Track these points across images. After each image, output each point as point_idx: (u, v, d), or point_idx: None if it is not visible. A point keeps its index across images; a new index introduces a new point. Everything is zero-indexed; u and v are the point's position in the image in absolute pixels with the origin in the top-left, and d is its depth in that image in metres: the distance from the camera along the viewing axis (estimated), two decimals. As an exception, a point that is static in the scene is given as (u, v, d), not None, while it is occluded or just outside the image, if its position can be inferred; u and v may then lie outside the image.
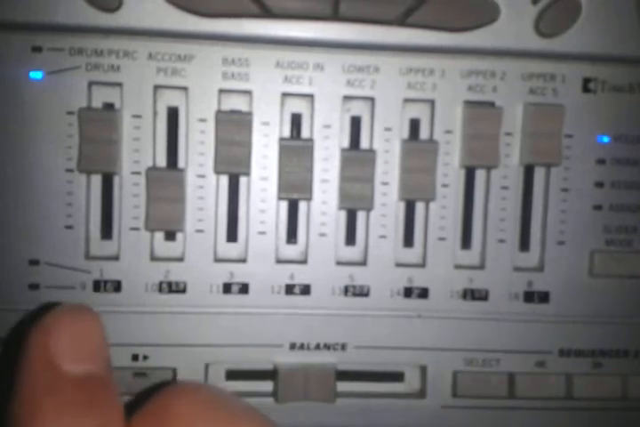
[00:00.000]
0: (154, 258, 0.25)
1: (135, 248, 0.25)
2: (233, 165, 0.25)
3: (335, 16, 0.24)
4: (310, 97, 0.25)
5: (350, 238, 0.26)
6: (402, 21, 0.24)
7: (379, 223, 0.25)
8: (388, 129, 0.25)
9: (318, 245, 0.25)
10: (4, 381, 0.18)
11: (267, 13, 0.23)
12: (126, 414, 0.17)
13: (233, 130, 0.24)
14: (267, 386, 0.26)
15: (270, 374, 0.26)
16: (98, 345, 0.17)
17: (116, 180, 0.25)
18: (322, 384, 0.26)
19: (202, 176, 0.25)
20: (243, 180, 0.25)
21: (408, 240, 0.26)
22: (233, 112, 0.25)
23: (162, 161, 0.25)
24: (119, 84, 0.24)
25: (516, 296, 0.26)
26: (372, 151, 0.25)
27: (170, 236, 0.25)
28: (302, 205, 0.25)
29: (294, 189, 0.25)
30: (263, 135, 0.25)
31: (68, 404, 0.15)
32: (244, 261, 0.25)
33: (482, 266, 0.26)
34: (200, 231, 0.25)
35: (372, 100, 0.25)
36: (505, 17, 0.24)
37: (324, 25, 0.24)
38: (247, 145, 0.25)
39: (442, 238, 0.26)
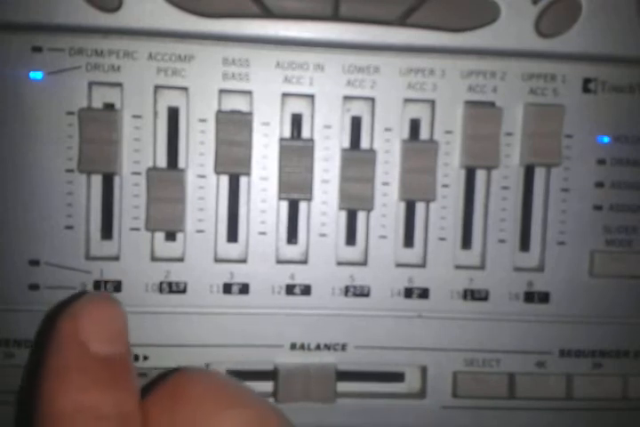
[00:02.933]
0: (154, 258, 0.25)
1: (135, 248, 0.25)
2: (233, 166, 0.25)
3: (335, 16, 0.24)
4: (310, 97, 0.25)
5: (351, 239, 0.26)
6: (402, 21, 0.24)
7: (379, 223, 0.25)
8: (388, 129, 0.25)
9: (319, 246, 0.25)
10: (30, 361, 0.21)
11: (267, 13, 0.23)
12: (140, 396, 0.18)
13: (233, 130, 0.24)
14: (267, 386, 0.26)
15: (270, 375, 0.26)
16: (120, 329, 0.19)
17: (117, 180, 0.25)
18: (322, 384, 0.26)
19: (202, 176, 0.25)
20: (243, 180, 0.25)
21: (408, 240, 0.26)
22: (233, 112, 0.25)
23: (162, 161, 0.25)
24: (119, 85, 0.24)
25: (516, 296, 0.26)
26: (372, 151, 0.25)
27: (170, 236, 0.25)
28: (303, 206, 0.25)
29: (295, 190, 0.25)
30: (263, 135, 0.25)
31: (94, 380, 0.17)
32: (244, 261, 0.25)
33: (482, 266, 0.26)
34: (200, 231, 0.25)
35: (372, 100, 0.25)
36: (505, 17, 0.24)
37: (324, 25, 0.24)
38: (247, 145, 0.25)
39: (442, 239, 0.26)
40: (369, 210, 0.25)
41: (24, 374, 0.24)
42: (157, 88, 0.24)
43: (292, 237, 0.26)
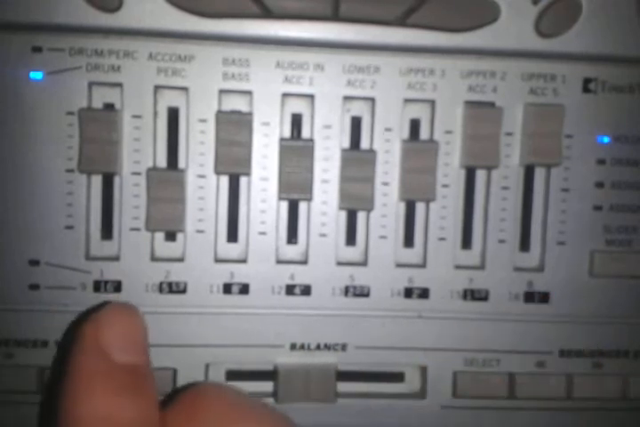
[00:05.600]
0: (154, 258, 0.25)
1: (135, 248, 0.25)
2: (233, 166, 0.25)
3: (335, 16, 0.24)
4: (311, 97, 0.25)
5: (351, 239, 0.26)
6: (402, 22, 0.24)
7: (379, 223, 0.25)
8: (388, 129, 0.25)
9: (319, 246, 0.25)
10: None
11: (267, 14, 0.23)
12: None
13: (233, 130, 0.24)
14: (267, 386, 0.26)
15: (270, 375, 0.26)
16: (141, 339, 0.19)
17: (117, 180, 0.25)
18: (322, 385, 0.26)
19: (202, 176, 0.25)
20: (243, 180, 0.25)
21: (408, 240, 0.26)
22: (233, 112, 0.25)
23: (162, 161, 0.25)
24: (119, 85, 0.24)
25: (516, 296, 0.26)
26: (372, 151, 0.25)
27: (170, 236, 0.25)
28: (302, 206, 0.25)
29: (295, 190, 0.25)
30: (263, 135, 0.25)
31: (117, 388, 0.17)
32: (244, 261, 0.25)
33: (482, 266, 0.26)
34: (200, 232, 0.25)
35: (372, 100, 0.25)
36: (505, 17, 0.24)
37: (324, 25, 0.24)
38: (247, 145, 0.25)
39: (442, 239, 0.26)
40: (369, 210, 0.25)
41: (48, 378, 0.25)
42: (157, 88, 0.24)
43: (292, 237, 0.26)
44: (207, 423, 0.18)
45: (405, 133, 0.25)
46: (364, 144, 0.25)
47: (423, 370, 0.27)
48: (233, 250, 0.26)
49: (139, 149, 0.25)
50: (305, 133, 0.25)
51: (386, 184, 0.25)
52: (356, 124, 0.25)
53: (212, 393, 0.19)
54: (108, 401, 0.17)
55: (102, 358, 0.18)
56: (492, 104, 0.25)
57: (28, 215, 0.24)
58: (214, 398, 0.19)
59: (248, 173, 0.25)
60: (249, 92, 0.25)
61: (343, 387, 0.26)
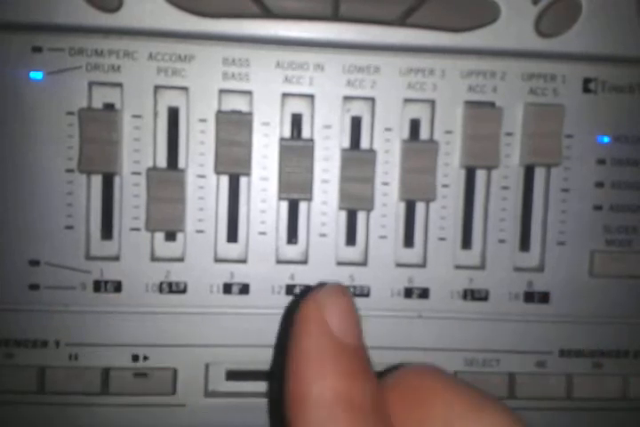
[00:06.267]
0: (154, 258, 0.25)
1: (135, 248, 0.25)
2: (233, 166, 0.25)
3: (335, 16, 0.24)
4: (310, 97, 0.25)
5: (351, 239, 0.26)
6: (402, 21, 0.24)
7: (379, 223, 0.25)
8: (388, 129, 0.25)
9: (319, 246, 0.25)
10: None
11: (267, 13, 0.23)
12: None
13: (233, 130, 0.24)
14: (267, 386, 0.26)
15: (270, 375, 0.26)
16: (358, 321, 0.19)
17: (117, 180, 0.25)
18: (322, 384, 0.26)
19: (202, 176, 0.25)
20: (243, 180, 0.25)
21: (408, 240, 0.26)
22: (233, 112, 0.25)
23: (162, 161, 0.25)
24: (119, 85, 0.24)
25: (516, 296, 0.26)
26: (372, 151, 0.25)
27: (170, 236, 0.25)
28: (303, 206, 0.25)
29: (295, 190, 0.25)
30: (263, 135, 0.25)
31: (347, 370, 0.17)
32: (244, 261, 0.25)
33: (482, 266, 0.26)
34: (200, 232, 0.25)
35: (372, 100, 0.25)
36: (505, 17, 0.24)
37: (324, 25, 0.24)
38: (247, 145, 0.25)
39: (442, 238, 0.26)
40: (369, 210, 0.25)
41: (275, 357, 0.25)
42: (157, 88, 0.24)
43: (292, 237, 0.26)
44: (438, 411, 0.17)
45: (405, 133, 0.25)
46: (364, 144, 0.25)
47: (423, 370, 0.27)
48: (233, 250, 0.26)
49: (139, 149, 0.25)
50: (305, 133, 0.25)
51: (386, 184, 0.25)
52: (355, 124, 0.25)
53: (432, 375, 0.18)
54: (341, 383, 0.17)
55: (330, 340, 0.18)
56: (492, 104, 0.25)
57: (28, 215, 0.24)
58: (436, 379, 0.18)
59: (248, 173, 0.25)
60: (249, 92, 0.25)
61: (343, 387, 0.26)
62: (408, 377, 0.18)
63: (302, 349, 0.18)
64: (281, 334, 0.25)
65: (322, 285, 0.19)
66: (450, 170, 0.25)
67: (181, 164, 0.25)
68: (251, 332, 0.26)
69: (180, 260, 0.25)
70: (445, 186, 0.26)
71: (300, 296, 0.24)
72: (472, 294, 0.26)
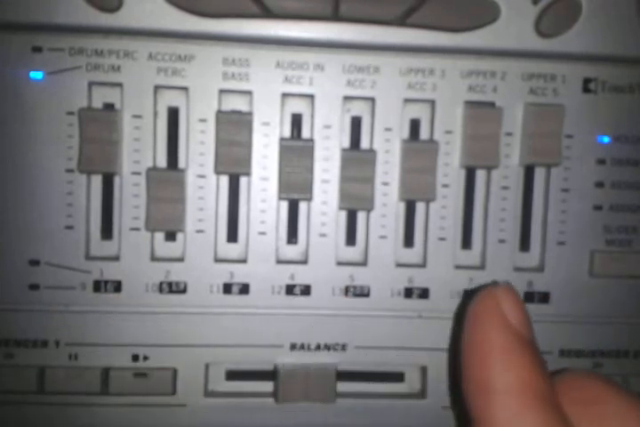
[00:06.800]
0: (154, 258, 0.25)
1: (135, 248, 0.25)
2: (233, 166, 0.25)
3: (335, 16, 0.24)
4: (310, 97, 0.25)
5: (350, 239, 0.26)
6: (402, 21, 0.24)
7: (379, 223, 0.25)
8: (388, 129, 0.25)
9: (319, 246, 0.25)
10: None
11: (267, 13, 0.23)
12: None
13: (233, 130, 0.24)
14: (267, 386, 0.26)
15: (270, 375, 0.26)
16: (530, 317, 0.19)
17: (117, 180, 0.25)
18: (322, 385, 0.26)
19: (202, 176, 0.25)
20: (243, 180, 0.25)
21: (408, 240, 0.26)
22: (233, 112, 0.25)
23: (162, 161, 0.25)
24: (119, 85, 0.24)
25: (516, 296, 0.26)
26: (372, 151, 0.25)
27: (170, 236, 0.25)
28: (302, 206, 0.25)
29: (295, 190, 0.25)
30: (263, 135, 0.25)
31: (531, 362, 0.18)
32: (244, 261, 0.25)
33: (482, 266, 0.26)
34: (200, 231, 0.25)
35: (372, 100, 0.25)
36: (505, 17, 0.24)
37: (324, 25, 0.24)
38: (247, 145, 0.25)
39: (442, 239, 0.26)
40: (369, 210, 0.25)
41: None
42: (157, 88, 0.24)
43: (292, 237, 0.26)
44: (607, 413, 0.17)
45: (405, 133, 0.25)
46: (364, 144, 0.25)
47: (423, 370, 0.27)
48: (233, 250, 0.26)
49: (139, 149, 0.25)
50: (305, 133, 0.25)
51: (386, 184, 0.25)
52: (355, 124, 0.25)
53: (599, 378, 0.19)
54: (528, 373, 0.18)
55: (513, 332, 0.18)
56: (492, 104, 0.25)
57: (28, 215, 0.24)
58: (611, 381, 0.19)
59: (248, 173, 0.25)
60: (249, 92, 0.25)
61: (343, 387, 0.26)
62: (576, 376, 0.19)
63: (485, 339, 0.18)
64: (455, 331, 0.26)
65: (494, 283, 0.20)
66: (450, 170, 0.25)
67: (181, 164, 0.25)
68: (251, 332, 0.26)
69: (180, 260, 0.25)
70: (445, 186, 0.26)
71: (471, 293, 0.24)
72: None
